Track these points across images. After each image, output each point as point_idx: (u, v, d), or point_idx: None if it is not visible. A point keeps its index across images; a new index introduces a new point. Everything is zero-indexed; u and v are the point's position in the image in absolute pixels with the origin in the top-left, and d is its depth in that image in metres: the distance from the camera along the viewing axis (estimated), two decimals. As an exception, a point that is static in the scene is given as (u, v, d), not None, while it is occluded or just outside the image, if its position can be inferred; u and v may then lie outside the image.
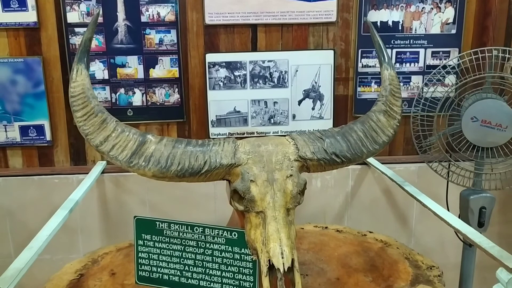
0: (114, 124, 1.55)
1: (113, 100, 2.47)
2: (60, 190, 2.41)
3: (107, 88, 2.45)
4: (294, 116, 2.56)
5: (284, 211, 1.40)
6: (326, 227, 2.41)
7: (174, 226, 1.72)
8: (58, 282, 1.86)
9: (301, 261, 2.01)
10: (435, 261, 1.99)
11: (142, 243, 1.76)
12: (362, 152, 1.59)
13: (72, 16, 2.36)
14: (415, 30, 2.51)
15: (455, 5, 2.49)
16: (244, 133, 2.56)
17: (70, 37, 2.36)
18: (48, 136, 2.47)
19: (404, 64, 2.56)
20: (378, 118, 1.68)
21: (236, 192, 1.47)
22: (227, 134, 2.55)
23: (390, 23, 2.50)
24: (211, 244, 1.68)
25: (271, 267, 1.29)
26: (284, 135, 1.61)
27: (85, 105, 1.57)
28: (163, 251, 1.74)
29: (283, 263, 1.26)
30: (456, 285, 2.30)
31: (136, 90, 2.47)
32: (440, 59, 2.55)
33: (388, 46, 2.50)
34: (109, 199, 2.53)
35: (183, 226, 1.72)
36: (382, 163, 2.44)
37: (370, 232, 2.33)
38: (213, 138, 2.53)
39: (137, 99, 2.48)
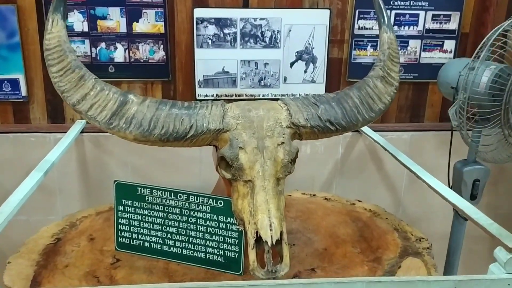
0: (93, 81, 1.45)
1: (93, 55, 2.31)
2: (37, 149, 2.29)
3: (87, 41, 2.29)
4: (285, 79, 2.45)
5: (274, 180, 1.34)
6: (314, 195, 2.35)
7: (157, 192, 1.65)
8: (33, 246, 1.77)
9: (288, 230, 1.94)
10: (422, 232, 1.95)
11: (122, 209, 1.70)
12: (358, 120, 1.53)
13: (48, -39, 2.16)
14: (416, -10, 2.38)
15: (459, -34, 2.35)
16: (232, 95, 2.44)
17: (46, -16, 2.18)
18: (23, 92, 2.32)
19: (402, 27, 2.44)
20: (375, 84, 1.62)
21: (224, 159, 1.39)
22: (215, 95, 2.43)
23: (390, -18, 2.36)
24: (196, 212, 1.62)
25: (258, 239, 1.23)
26: (277, 99, 1.51)
27: (61, 59, 1.46)
28: (144, 218, 1.68)
29: (271, 236, 1.21)
30: (443, 256, 2.28)
31: (118, 45, 2.31)
32: (440, 23, 2.43)
33: (387, 7, 2.36)
34: (89, 160, 2.42)
35: (166, 192, 1.64)
36: (374, 131, 2.36)
37: (359, 201, 2.28)
38: (200, 100, 2.44)
39: (119, 55, 2.33)
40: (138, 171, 2.46)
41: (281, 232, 1.22)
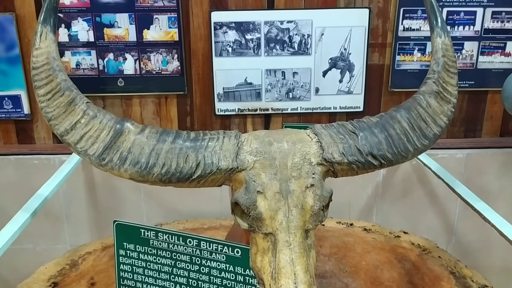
0: (84, 106, 1.23)
1: (101, 68, 2.07)
2: (40, 172, 2.11)
3: (93, 52, 2.05)
4: (317, 90, 2.14)
5: (301, 234, 1.08)
6: (351, 224, 2.05)
7: (163, 235, 1.42)
8: (25, 294, 1.55)
9: (321, 273, 1.66)
10: (480, 267, 1.62)
11: (124, 254, 1.47)
12: (407, 151, 1.26)
13: (48, -37, 1.93)
14: (474, -17, 2.02)
15: (527, -48, 1.97)
16: (256, 110, 2.16)
17: (47, -11, 1.95)
18: (26, 109, 2.11)
19: (456, 27, 2.08)
20: (428, 102, 1.34)
21: (239, 205, 1.12)
22: (237, 110, 2.15)
23: (442, -26, 2.00)
24: (208, 261, 1.39)
25: (283, 309, 1.00)
26: (305, 126, 1.23)
27: (49, 79, 1.27)
28: (149, 265, 1.46)
29: (299, 307, 0.97)
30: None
31: (127, 55, 2.07)
32: (502, 21, 2.06)
33: (438, 4, 2.01)
34: (98, 183, 2.20)
35: (173, 236, 1.41)
36: (423, 150, 2.02)
37: (405, 232, 1.97)
38: (220, 116, 2.16)
39: (129, 66, 2.08)
40: (152, 196, 2.22)
41: (311, 302, 0.97)
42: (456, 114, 2.21)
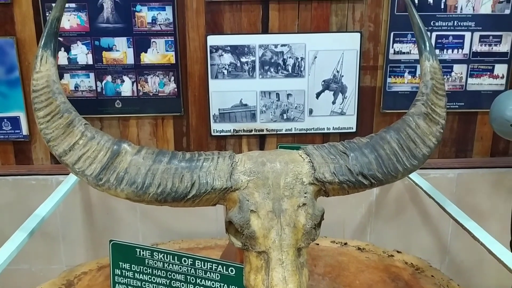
0: (82, 128, 1.26)
1: (99, 90, 2.11)
2: (38, 193, 2.12)
3: (92, 75, 2.10)
4: (311, 111, 2.18)
5: (293, 252, 1.10)
6: (345, 243, 2.07)
7: (158, 255, 1.43)
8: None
9: (315, 293, 1.67)
10: (473, 287, 1.63)
11: (119, 273, 1.49)
12: (397, 171, 1.29)
13: (49, -11, 1.99)
14: (461, 9, 2.08)
15: (511, -21, 2.04)
16: (251, 130, 2.19)
17: (47, 14, 2.00)
18: (24, 130, 2.14)
19: (445, 50, 2.14)
20: (417, 123, 1.37)
21: (232, 224, 1.14)
22: (232, 130, 2.18)
23: (430, 0, 2.06)
24: (203, 280, 1.40)
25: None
26: (298, 146, 1.26)
27: (49, 102, 1.30)
28: (144, 284, 1.47)
29: (291, 327, 0.98)
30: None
31: (125, 77, 2.11)
32: (490, 45, 2.12)
33: (427, 28, 2.07)
34: (94, 203, 2.21)
35: (168, 255, 1.43)
36: (415, 169, 2.05)
37: (398, 252, 1.98)
38: (216, 137, 2.20)
39: (127, 88, 2.12)
40: (148, 216, 2.23)
41: (305, 320, 0.98)
42: (447, 135, 2.25)
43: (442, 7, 2.08)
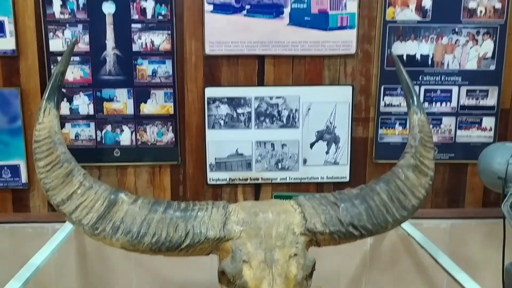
0: (81, 178, 1.31)
1: (98, 139, 2.17)
2: (34, 241, 2.11)
3: (92, 124, 2.16)
4: (305, 161, 2.23)
5: None
6: (340, 294, 2.04)
7: None
8: None
9: None
10: None
11: None
12: (387, 222, 1.33)
13: (55, 44, 2.08)
14: (448, 65, 2.17)
15: (494, 38, 2.15)
16: (247, 179, 2.23)
17: (52, 66, 2.09)
18: (23, 178, 2.18)
19: (434, 103, 2.21)
20: (406, 175, 1.41)
21: (225, 274, 1.16)
22: (228, 179, 2.22)
23: (418, 56, 2.17)
24: None
25: None
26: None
27: (50, 152, 1.35)
28: None
29: None
30: None
31: (124, 127, 2.17)
32: (477, 99, 2.20)
33: (415, 83, 2.17)
34: (89, 251, 2.21)
35: None
36: (408, 219, 2.07)
37: (393, 303, 1.96)
38: (212, 186, 2.23)
39: (126, 137, 2.18)
40: (142, 265, 2.23)
41: None
42: (439, 185, 2.29)
43: (430, 62, 2.17)
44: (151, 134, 2.19)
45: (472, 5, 2.12)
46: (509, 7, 2.13)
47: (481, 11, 2.13)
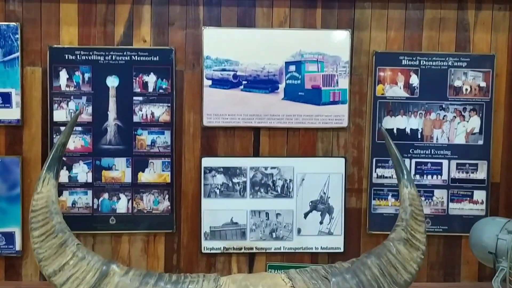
0: (74, 248, 1.32)
1: (95, 206, 2.19)
2: (22, 311, 2.06)
3: (89, 192, 2.19)
4: (299, 231, 2.24)
5: None
6: None
7: None
8: None
9: None
10: None
11: None
12: None
13: (59, 115, 2.17)
14: (437, 139, 2.25)
15: (480, 114, 2.24)
16: (241, 248, 2.23)
17: (54, 136, 2.16)
18: (17, 246, 2.17)
19: (425, 176, 2.26)
20: (397, 249, 1.41)
21: None
22: (222, 248, 2.22)
23: (408, 130, 2.25)
24: None
25: None
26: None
27: (45, 221, 1.36)
28: None
29: None
30: None
31: (121, 195, 2.20)
32: (467, 172, 2.25)
33: (406, 155, 2.23)
34: (79, 323, 2.14)
35: None
36: (403, 293, 2.04)
37: None
38: (206, 254, 2.22)
39: (122, 205, 2.20)
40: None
41: None
42: (434, 258, 2.28)
43: (419, 136, 2.25)
44: (148, 202, 2.22)
45: (457, 83, 2.24)
46: (493, 85, 2.24)
47: (466, 89, 2.24)
